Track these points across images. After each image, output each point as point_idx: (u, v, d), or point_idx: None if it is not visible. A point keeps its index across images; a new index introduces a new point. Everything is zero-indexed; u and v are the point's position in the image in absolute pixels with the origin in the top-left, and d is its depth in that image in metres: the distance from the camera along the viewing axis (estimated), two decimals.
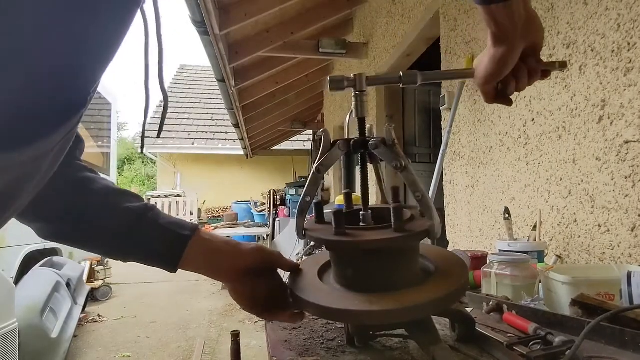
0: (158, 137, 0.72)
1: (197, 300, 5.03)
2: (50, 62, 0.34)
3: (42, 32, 0.32)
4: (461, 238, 2.13)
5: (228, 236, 0.96)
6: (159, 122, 0.61)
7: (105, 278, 5.16)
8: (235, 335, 1.35)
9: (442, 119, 2.30)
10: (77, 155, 0.59)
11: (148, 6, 0.45)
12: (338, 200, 1.32)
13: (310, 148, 9.68)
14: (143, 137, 0.61)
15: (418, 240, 0.56)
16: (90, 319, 4.29)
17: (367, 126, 0.59)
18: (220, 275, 0.62)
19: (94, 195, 0.57)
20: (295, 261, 0.70)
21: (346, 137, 0.64)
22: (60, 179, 0.51)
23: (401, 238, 0.54)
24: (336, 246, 0.59)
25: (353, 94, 0.61)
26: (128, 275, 6.15)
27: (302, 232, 0.60)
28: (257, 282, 0.63)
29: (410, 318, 0.57)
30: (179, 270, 0.60)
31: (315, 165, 0.59)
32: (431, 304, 0.53)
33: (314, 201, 0.61)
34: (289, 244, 4.79)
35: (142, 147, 0.68)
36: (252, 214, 9.03)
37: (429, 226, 0.53)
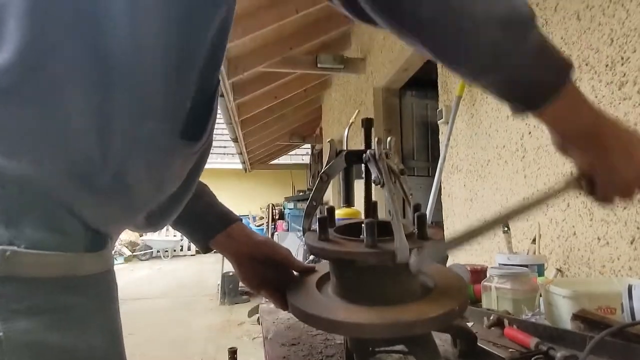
0: None
1: (194, 316, 4.96)
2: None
3: None
4: (460, 251, 2.12)
5: None
6: None
7: None
8: (233, 352, 1.34)
9: (440, 132, 2.32)
10: None
11: None
12: (337, 214, 1.31)
13: (309, 162, 9.70)
14: None
15: (380, 259, 0.54)
16: None
17: (388, 139, 0.60)
18: (228, 255, 0.70)
19: None
20: (308, 264, 0.74)
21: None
22: None
23: (362, 254, 0.54)
24: (311, 251, 0.61)
25: None
26: (125, 292, 6.08)
27: (304, 233, 0.66)
28: (261, 269, 0.70)
29: (375, 335, 0.57)
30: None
31: (320, 173, 0.64)
32: (396, 325, 0.52)
33: (327, 207, 0.67)
34: None
35: None
36: (251, 228, 9.00)
37: (396, 249, 0.52)
